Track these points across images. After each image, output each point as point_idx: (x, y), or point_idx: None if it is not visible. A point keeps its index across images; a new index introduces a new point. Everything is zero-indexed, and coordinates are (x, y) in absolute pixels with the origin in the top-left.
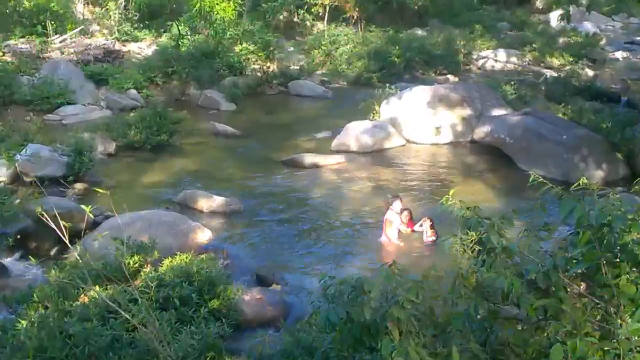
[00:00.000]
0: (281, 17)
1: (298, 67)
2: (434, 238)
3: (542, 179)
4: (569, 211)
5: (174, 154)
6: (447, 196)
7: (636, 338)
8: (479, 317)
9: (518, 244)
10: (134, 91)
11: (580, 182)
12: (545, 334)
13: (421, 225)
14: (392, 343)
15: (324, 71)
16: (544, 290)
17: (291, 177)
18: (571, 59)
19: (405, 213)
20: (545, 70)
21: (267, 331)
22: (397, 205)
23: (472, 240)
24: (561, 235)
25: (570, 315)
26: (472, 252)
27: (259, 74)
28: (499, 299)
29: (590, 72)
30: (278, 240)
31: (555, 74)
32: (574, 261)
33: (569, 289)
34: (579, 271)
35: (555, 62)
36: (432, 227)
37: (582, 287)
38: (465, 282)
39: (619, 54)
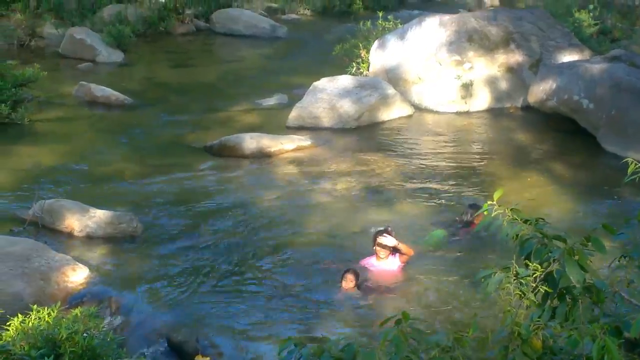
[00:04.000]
0: None
1: None
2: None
3: None
4: None
5: (21, 138)
6: (489, 202)
7: None
8: None
9: (611, 280)
10: None
11: None
12: None
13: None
14: None
15: None
16: None
17: (221, 174)
18: None
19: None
20: None
21: None
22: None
23: (534, 277)
24: None
25: None
26: (534, 296)
27: None
28: None
29: None
30: (202, 281)
31: None
32: None
33: None
34: None
35: None
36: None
37: None
38: (525, 346)
39: None
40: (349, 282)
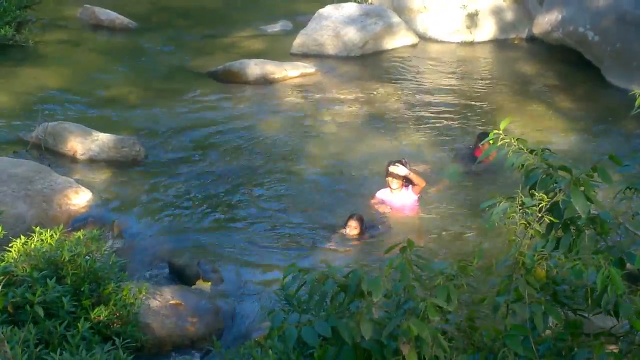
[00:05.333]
0: None
1: None
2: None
3: None
4: None
5: (25, 60)
6: (495, 130)
7: None
8: (548, 332)
9: (615, 212)
10: None
11: None
12: None
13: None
14: None
15: None
16: None
17: (225, 99)
18: None
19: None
20: None
21: (190, 358)
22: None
23: (540, 207)
24: None
25: None
26: (539, 226)
27: None
28: (584, 303)
29: None
30: (204, 207)
31: None
32: None
33: None
34: None
35: None
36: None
37: None
38: (529, 275)
39: None
40: (352, 229)
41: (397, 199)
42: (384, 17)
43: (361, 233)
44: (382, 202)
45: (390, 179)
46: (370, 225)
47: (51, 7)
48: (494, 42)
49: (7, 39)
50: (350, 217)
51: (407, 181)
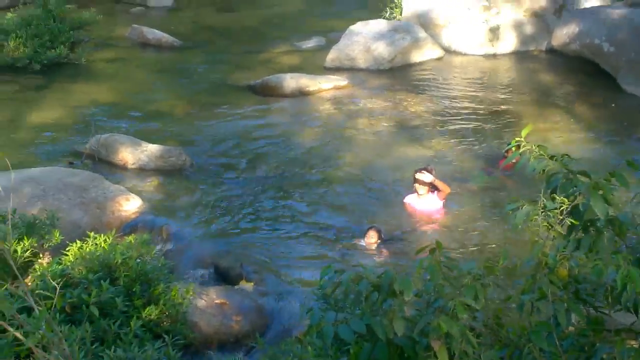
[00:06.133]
0: None
1: None
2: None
3: None
4: None
5: (79, 77)
6: (517, 138)
7: None
8: (571, 329)
9: (633, 214)
10: None
11: None
12: None
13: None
14: None
15: None
16: None
17: (264, 111)
18: None
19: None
20: None
21: (235, 354)
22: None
23: (560, 210)
24: None
25: None
26: (560, 228)
27: None
28: (605, 300)
29: None
30: (246, 211)
31: None
32: None
33: None
34: None
35: None
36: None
37: None
38: (552, 275)
39: None
40: (370, 238)
41: (424, 204)
42: (411, 32)
43: (379, 243)
44: (410, 207)
45: (417, 185)
46: (389, 236)
47: (102, 28)
48: (515, 54)
49: (62, 57)
50: (370, 229)
51: (433, 187)
